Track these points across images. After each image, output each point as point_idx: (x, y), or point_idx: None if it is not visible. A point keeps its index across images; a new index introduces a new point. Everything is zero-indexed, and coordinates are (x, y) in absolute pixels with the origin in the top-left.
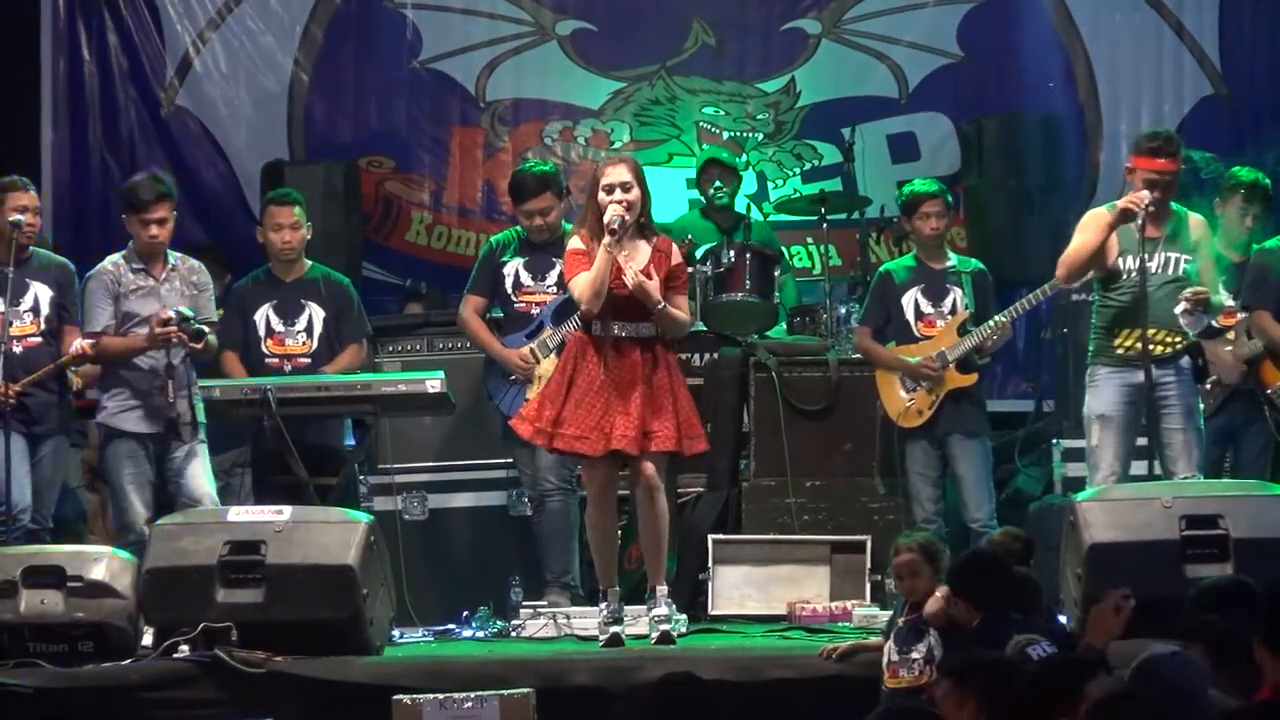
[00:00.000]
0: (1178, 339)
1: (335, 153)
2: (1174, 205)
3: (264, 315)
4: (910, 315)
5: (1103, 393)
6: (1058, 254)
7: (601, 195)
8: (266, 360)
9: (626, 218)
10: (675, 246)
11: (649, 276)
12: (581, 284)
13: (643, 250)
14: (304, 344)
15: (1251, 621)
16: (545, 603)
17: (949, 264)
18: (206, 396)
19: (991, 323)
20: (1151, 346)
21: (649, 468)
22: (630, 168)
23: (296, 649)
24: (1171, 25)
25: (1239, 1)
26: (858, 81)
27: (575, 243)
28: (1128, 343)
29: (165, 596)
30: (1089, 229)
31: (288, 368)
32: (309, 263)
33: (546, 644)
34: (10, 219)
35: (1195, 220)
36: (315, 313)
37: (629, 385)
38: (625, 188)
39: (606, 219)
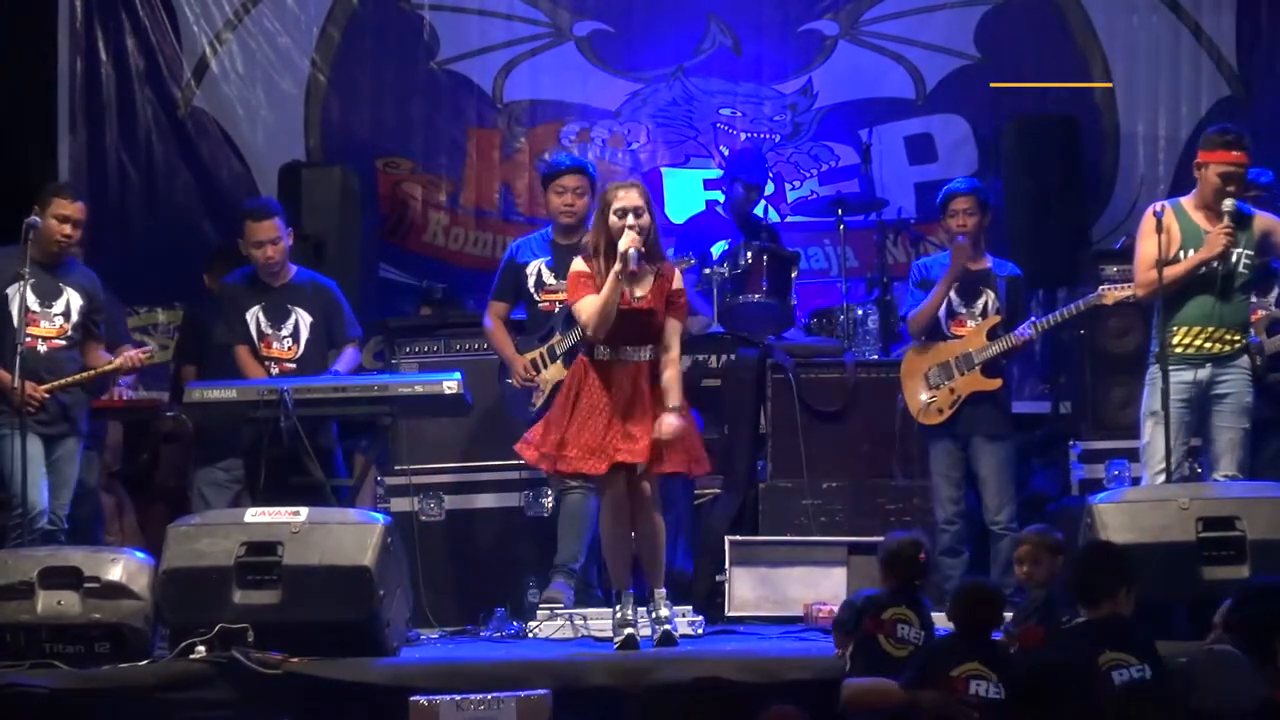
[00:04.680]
0: (1236, 337)
1: (352, 154)
2: (1238, 203)
3: (254, 316)
4: (942, 312)
5: (1159, 390)
6: (1075, 256)
7: (613, 219)
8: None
9: (641, 250)
10: (676, 271)
11: (652, 305)
12: (589, 308)
13: (646, 276)
14: (289, 349)
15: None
16: (545, 596)
17: (986, 265)
18: (222, 399)
19: (1019, 332)
20: (1210, 344)
21: (647, 488)
22: (641, 193)
23: (313, 650)
24: (1189, 26)
25: (1256, 3)
26: (875, 83)
27: (579, 265)
28: (1185, 340)
29: (182, 597)
30: (1154, 242)
31: (274, 370)
32: (294, 267)
33: (563, 645)
34: (50, 225)
35: (1258, 215)
36: (302, 318)
37: (632, 407)
38: (638, 213)
39: (623, 247)
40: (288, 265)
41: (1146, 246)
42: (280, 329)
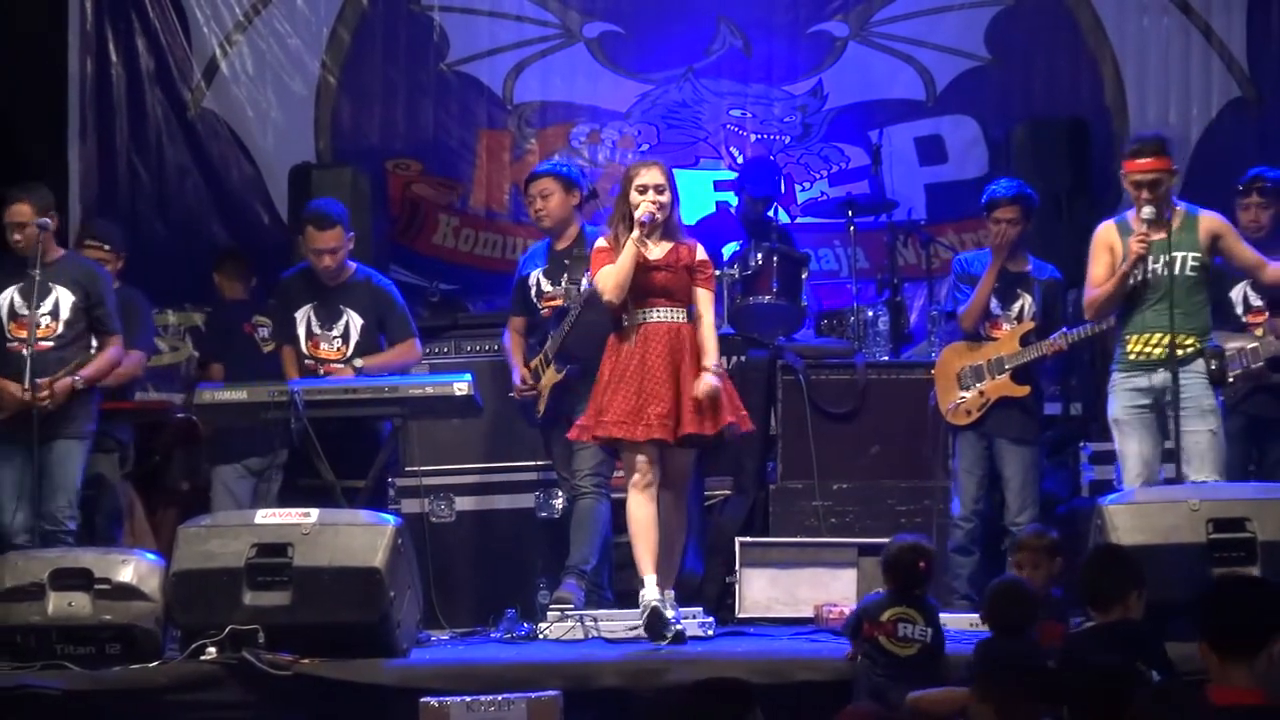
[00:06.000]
0: (1189, 341)
1: (362, 155)
2: (1184, 205)
3: (305, 315)
4: None
5: (1117, 397)
6: (1086, 257)
7: (634, 195)
8: (304, 361)
9: (658, 216)
10: (700, 247)
11: (669, 262)
12: (606, 275)
13: (665, 244)
14: (339, 349)
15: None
16: (556, 597)
17: (1026, 268)
18: (233, 400)
19: (1051, 340)
20: (1163, 350)
21: (678, 468)
22: (663, 171)
23: (323, 651)
24: (1199, 28)
25: (1267, 3)
26: (885, 84)
27: (601, 242)
28: (1138, 346)
29: (192, 599)
30: (1101, 262)
31: (322, 371)
32: (353, 266)
33: (574, 646)
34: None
35: (1206, 216)
36: (353, 320)
37: (660, 369)
38: (659, 189)
39: (639, 213)
40: (345, 264)
41: (1092, 270)
42: (331, 329)
